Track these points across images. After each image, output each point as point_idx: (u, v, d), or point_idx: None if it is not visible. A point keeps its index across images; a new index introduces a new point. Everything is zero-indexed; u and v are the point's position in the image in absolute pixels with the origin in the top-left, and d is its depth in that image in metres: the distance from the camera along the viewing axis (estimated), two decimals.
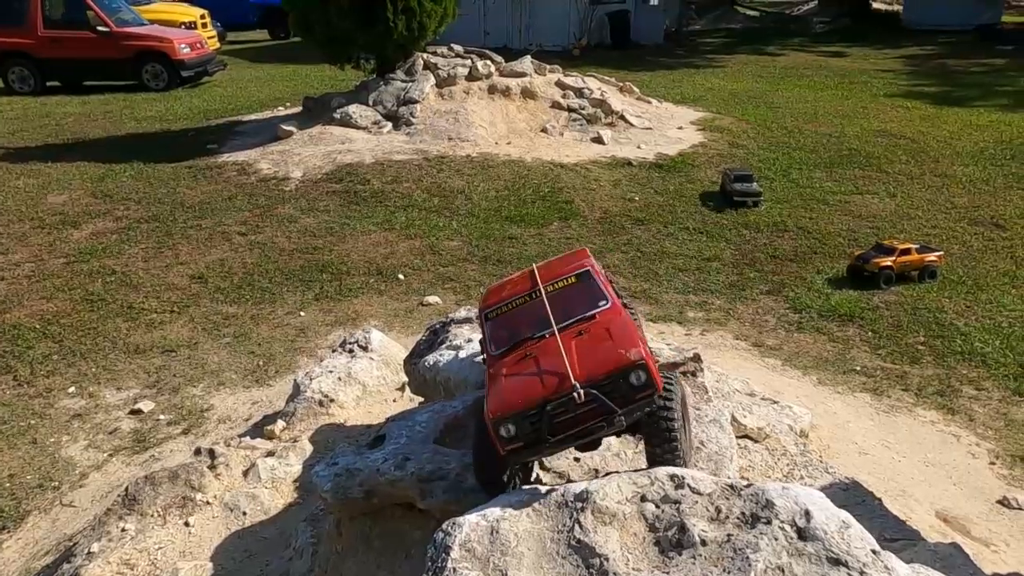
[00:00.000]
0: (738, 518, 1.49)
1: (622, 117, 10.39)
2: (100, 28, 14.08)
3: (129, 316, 5.73)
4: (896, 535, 2.74)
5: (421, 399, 3.56)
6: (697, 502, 1.55)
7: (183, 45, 14.56)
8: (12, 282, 6.27)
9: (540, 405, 1.76)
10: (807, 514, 1.46)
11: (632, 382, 1.76)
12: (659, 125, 10.65)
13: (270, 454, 3.36)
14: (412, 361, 3.21)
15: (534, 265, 2.24)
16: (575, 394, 1.72)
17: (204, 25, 18.28)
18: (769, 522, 1.45)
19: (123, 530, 2.90)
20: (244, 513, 2.99)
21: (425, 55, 10.52)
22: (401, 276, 6.40)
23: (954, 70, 15.87)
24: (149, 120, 11.90)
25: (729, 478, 1.84)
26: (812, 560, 1.37)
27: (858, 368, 5.07)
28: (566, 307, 2.03)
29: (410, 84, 10.14)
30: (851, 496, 3.00)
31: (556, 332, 1.92)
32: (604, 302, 2.03)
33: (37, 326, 5.55)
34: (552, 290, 2.07)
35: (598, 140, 9.75)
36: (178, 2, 20.16)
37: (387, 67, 10.44)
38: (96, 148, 10.19)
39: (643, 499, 1.60)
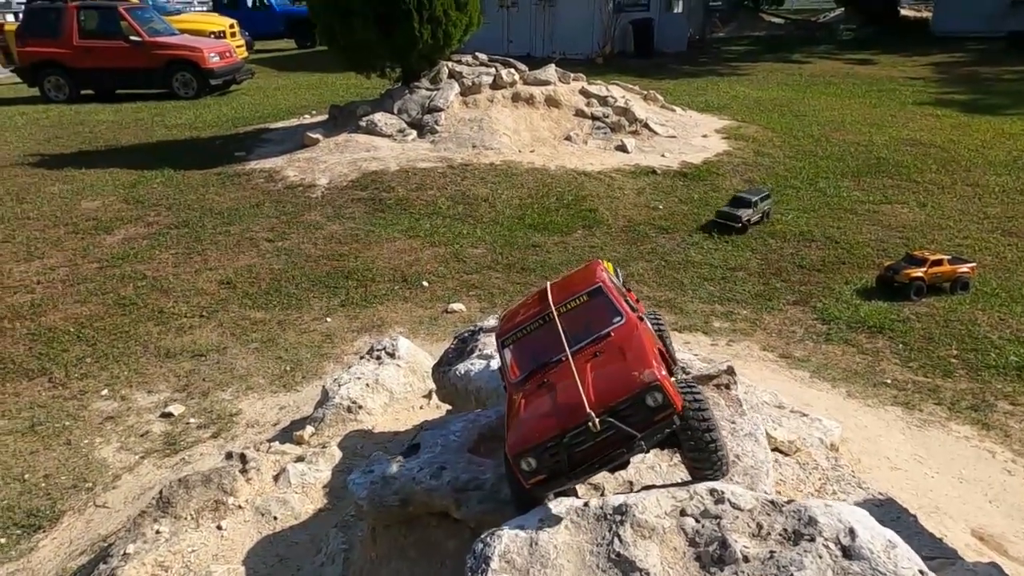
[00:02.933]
0: (780, 535, 1.48)
1: (646, 125, 10.38)
2: (133, 38, 14.43)
3: (160, 320, 5.83)
4: (933, 553, 2.68)
5: (448, 407, 3.58)
6: (738, 517, 1.54)
7: (212, 54, 14.87)
8: (48, 286, 6.42)
9: (558, 437, 1.73)
10: (852, 532, 1.44)
11: (649, 404, 1.71)
12: (683, 133, 10.62)
13: (300, 459, 3.40)
14: (441, 369, 3.23)
15: (548, 283, 2.21)
16: (590, 424, 1.69)
17: (233, 34, 18.68)
18: (813, 539, 1.44)
19: (157, 532, 2.94)
20: (275, 518, 3.02)
21: (450, 63, 10.62)
22: (426, 283, 6.44)
23: (985, 77, 15.61)
24: (179, 128, 12.15)
25: (767, 493, 1.82)
26: None
27: (889, 381, 4.99)
28: (580, 328, 1.99)
29: (435, 92, 10.23)
30: (885, 512, 2.95)
31: (570, 357, 1.88)
32: (619, 318, 1.99)
33: (71, 329, 5.68)
34: (565, 311, 2.04)
35: (622, 148, 9.74)
36: (208, 12, 20.57)
37: (412, 76, 10.55)
38: (128, 155, 10.42)
39: (683, 513, 1.59)
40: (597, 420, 1.69)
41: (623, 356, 1.85)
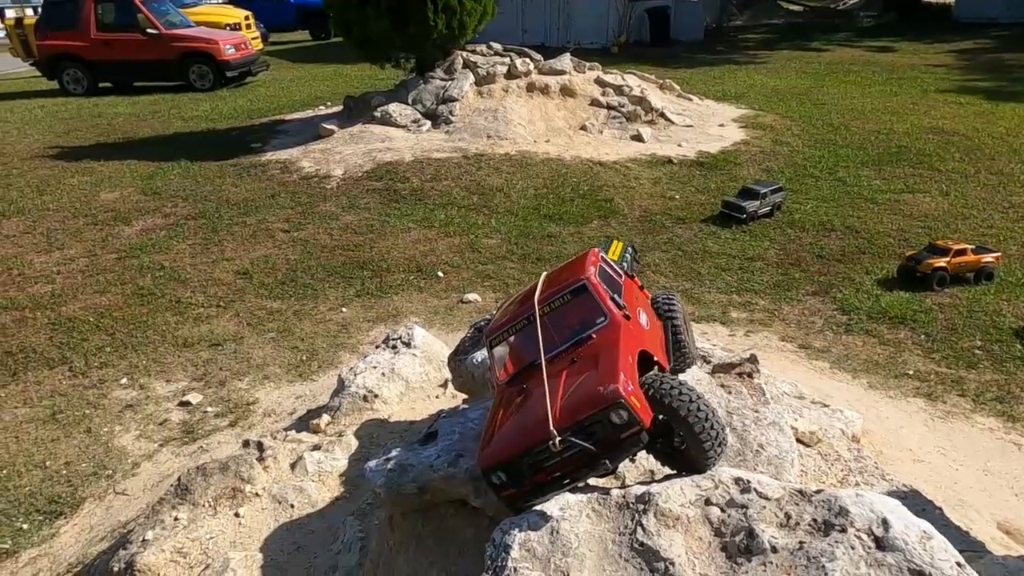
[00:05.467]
0: (810, 525, 1.44)
1: (662, 115, 10.26)
2: (150, 30, 14.51)
3: (177, 310, 5.87)
4: (960, 547, 2.62)
5: (464, 396, 3.56)
6: (765, 507, 1.50)
7: (228, 46, 14.92)
8: (68, 276, 6.49)
9: (524, 453, 1.71)
10: (885, 523, 1.39)
11: (614, 421, 1.64)
12: (700, 123, 10.49)
13: (316, 448, 3.40)
14: (457, 358, 3.21)
15: (543, 275, 2.13)
16: (551, 443, 1.65)
17: (248, 26, 18.71)
18: (844, 530, 1.39)
19: (176, 519, 2.96)
20: (292, 506, 3.03)
21: (464, 53, 10.56)
22: (441, 273, 6.42)
23: (1009, 64, 15.26)
24: (195, 120, 12.20)
25: (792, 482, 1.77)
26: (893, 572, 1.30)
27: (911, 372, 4.90)
28: (561, 330, 1.92)
29: (449, 82, 10.18)
30: (910, 504, 2.86)
31: (544, 367, 1.82)
32: (602, 319, 1.90)
33: (91, 319, 5.73)
34: (549, 311, 1.97)
35: (638, 138, 9.65)
36: (223, 4, 20.65)
37: (426, 66, 10.50)
38: (145, 147, 10.49)
39: (707, 503, 1.56)
40: (558, 440, 1.64)
41: (596, 365, 1.78)
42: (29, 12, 20.93)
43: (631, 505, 1.60)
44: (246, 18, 18.88)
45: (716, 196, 7.95)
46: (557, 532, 1.55)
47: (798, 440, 3.15)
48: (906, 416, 4.46)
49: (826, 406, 3.77)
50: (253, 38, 17.58)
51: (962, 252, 5.91)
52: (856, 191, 8.03)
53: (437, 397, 4.05)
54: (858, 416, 3.84)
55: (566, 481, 1.72)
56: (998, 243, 6.59)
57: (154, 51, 14.53)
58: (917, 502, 2.98)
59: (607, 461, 1.67)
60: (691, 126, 10.26)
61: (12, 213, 8.00)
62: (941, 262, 5.83)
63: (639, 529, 1.52)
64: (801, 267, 6.44)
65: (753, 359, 2.39)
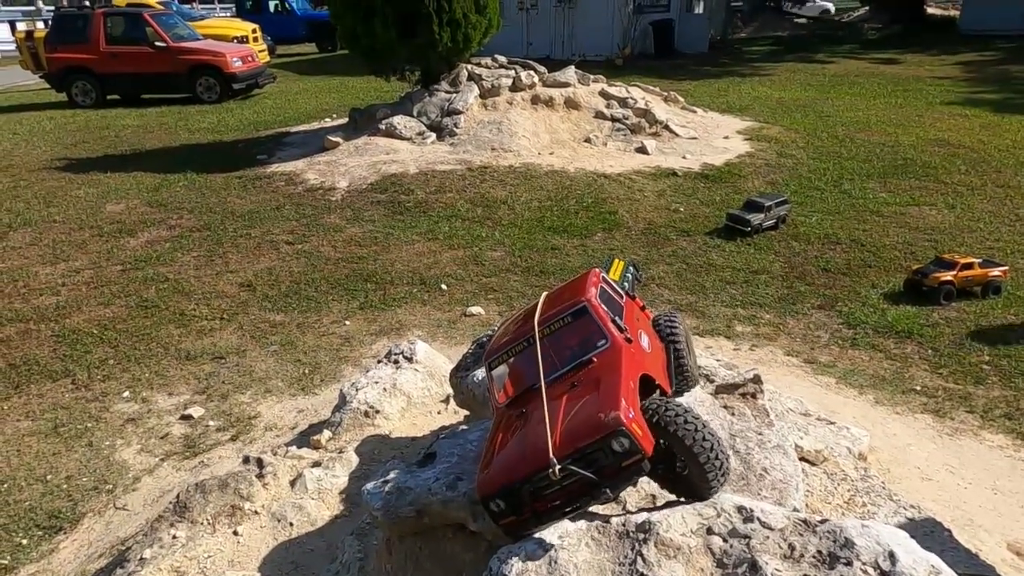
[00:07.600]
0: (814, 557, 1.40)
1: (666, 127, 10.27)
2: (158, 43, 14.65)
3: (181, 323, 5.87)
4: (969, 570, 2.57)
5: (466, 412, 3.53)
6: (768, 537, 1.46)
7: (235, 59, 15.05)
8: (72, 288, 6.50)
9: (523, 481, 1.68)
10: (892, 556, 1.36)
11: (615, 449, 1.61)
12: (704, 135, 10.49)
13: (316, 464, 3.37)
14: (459, 375, 3.18)
15: (543, 295, 2.11)
16: (551, 472, 1.62)
17: (255, 39, 18.89)
18: (849, 563, 1.36)
19: (174, 537, 2.93)
20: (291, 524, 3.00)
21: (469, 66, 10.60)
22: (444, 286, 6.40)
23: (1016, 76, 15.24)
24: (202, 132, 12.28)
25: (798, 509, 1.74)
26: None
27: (918, 388, 4.85)
28: (561, 353, 1.90)
29: (454, 95, 10.21)
30: (918, 526, 2.84)
31: (544, 392, 1.79)
32: (603, 342, 1.87)
33: (95, 331, 5.73)
34: (548, 333, 1.94)
35: (642, 150, 9.65)
36: (231, 17, 20.85)
37: (432, 78, 10.55)
38: (152, 159, 10.55)
39: (709, 532, 1.52)
40: (557, 468, 1.62)
41: (597, 390, 1.75)
42: (39, 25, 21.18)
43: (631, 534, 1.57)
44: (253, 31, 19.07)
45: (720, 209, 7.93)
46: (555, 562, 1.52)
47: (803, 459, 3.10)
48: (914, 433, 4.40)
49: (832, 423, 3.73)
50: (260, 51, 17.74)
51: (969, 266, 5.87)
52: (861, 204, 8.00)
53: (439, 413, 4.01)
54: (865, 433, 3.79)
55: (567, 509, 1.69)
56: (1005, 256, 6.54)
57: (162, 64, 14.67)
58: (925, 523, 2.93)
59: (608, 489, 1.65)
60: (695, 138, 10.26)
61: (19, 225, 8.04)
62: (948, 276, 5.78)
63: (639, 559, 1.49)
64: (806, 280, 6.40)
65: (757, 379, 2.35)
